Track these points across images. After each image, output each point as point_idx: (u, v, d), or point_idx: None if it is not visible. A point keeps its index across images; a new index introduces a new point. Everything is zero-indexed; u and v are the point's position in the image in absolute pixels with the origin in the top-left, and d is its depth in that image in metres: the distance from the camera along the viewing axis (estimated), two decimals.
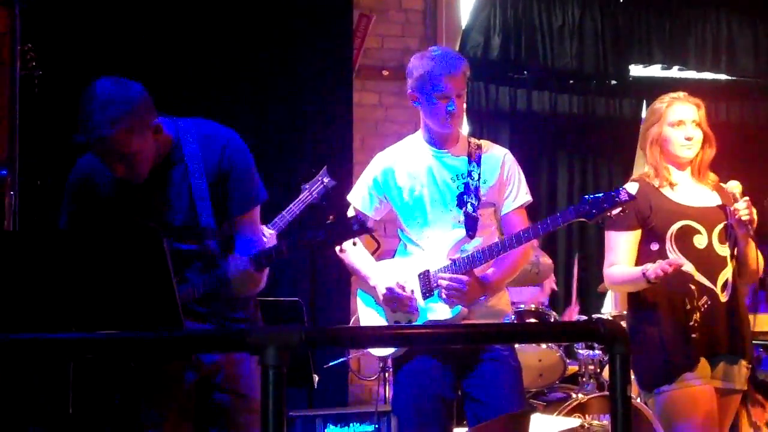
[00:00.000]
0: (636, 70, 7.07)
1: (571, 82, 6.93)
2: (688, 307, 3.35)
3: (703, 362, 3.36)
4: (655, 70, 7.09)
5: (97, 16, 5.31)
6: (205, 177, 2.93)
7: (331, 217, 2.89)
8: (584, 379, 4.94)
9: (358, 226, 2.85)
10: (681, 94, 3.58)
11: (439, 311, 3.35)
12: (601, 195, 3.21)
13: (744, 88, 7.26)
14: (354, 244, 3.02)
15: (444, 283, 3.29)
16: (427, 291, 3.36)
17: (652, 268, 3.30)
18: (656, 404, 3.45)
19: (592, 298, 6.40)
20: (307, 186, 4.41)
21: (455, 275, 3.29)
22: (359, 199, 3.50)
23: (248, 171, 3.02)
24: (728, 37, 7.16)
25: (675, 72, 7.08)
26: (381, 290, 3.38)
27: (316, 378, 4.23)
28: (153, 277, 2.40)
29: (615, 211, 3.22)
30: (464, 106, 3.43)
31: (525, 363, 4.80)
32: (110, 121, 2.72)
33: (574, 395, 4.77)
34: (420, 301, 3.37)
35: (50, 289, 2.44)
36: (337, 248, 2.93)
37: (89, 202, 3.00)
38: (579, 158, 6.90)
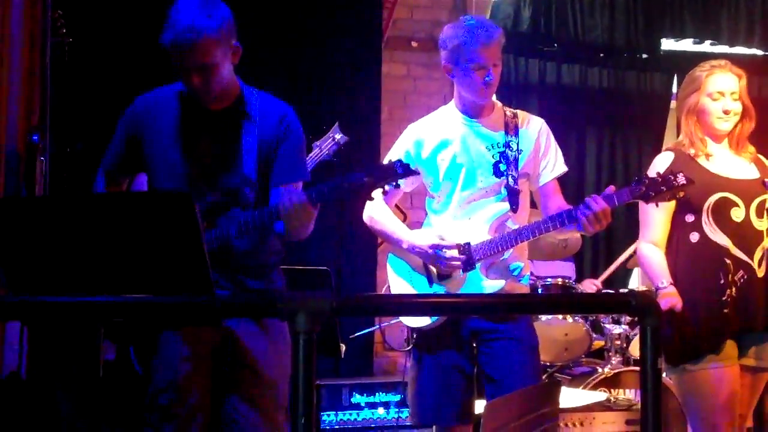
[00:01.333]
0: (667, 44, 6.97)
1: (602, 55, 6.84)
2: (722, 281, 3.31)
3: (731, 342, 3.33)
4: (687, 45, 7.00)
5: None
6: (256, 137, 2.99)
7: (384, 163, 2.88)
8: (610, 354, 4.92)
9: (402, 169, 2.84)
10: (723, 62, 3.48)
11: (482, 286, 3.30)
12: (658, 177, 3.13)
13: None
14: (397, 186, 2.99)
15: (595, 209, 3.09)
16: (469, 264, 3.30)
17: (665, 297, 3.30)
18: (678, 380, 3.43)
19: (618, 273, 6.37)
20: (318, 143, 4.37)
21: (603, 204, 3.10)
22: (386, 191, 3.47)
23: (300, 145, 3.09)
24: (762, 11, 7.05)
25: (707, 46, 6.98)
26: (424, 247, 3.30)
27: (343, 347, 4.23)
28: (184, 242, 2.40)
29: (671, 195, 3.15)
30: (499, 76, 3.38)
31: (551, 337, 4.85)
32: (200, 29, 2.82)
33: (600, 369, 4.76)
34: (461, 275, 3.32)
35: (80, 254, 2.45)
36: (378, 190, 2.89)
37: (144, 135, 3.06)
38: (608, 132, 6.84)
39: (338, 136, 4.34)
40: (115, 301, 1.86)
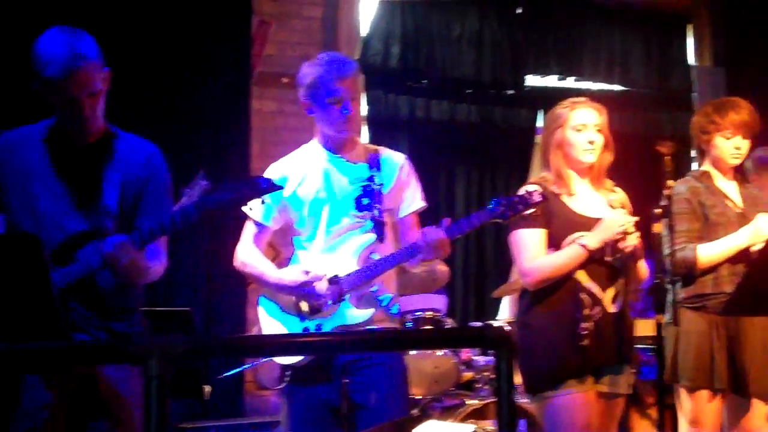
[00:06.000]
0: (532, 80, 7.19)
1: (469, 91, 6.99)
2: (578, 315, 3.39)
3: (588, 370, 3.42)
4: (551, 81, 7.23)
5: None
6: (121, 173, 2.97)
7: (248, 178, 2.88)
8: (479, 385, 4.99)
9: (267, 184, 2.84)
10: (583, 98, 3.59)
11: (351, 316, 3.32)
12: (514, 197, 3.24)
13: (636, 98, 7.46)
14: (263, 202, 2.98)
15: (430, 241, 3.19)
16: (338, 296, 3.31)
17: (590, 236, 3.35)
18: (539, 407, 3.50)
19: (487, 304, 6.47)
20: (187, 190, 4.32)
21: (438, 235, 3.20)
22: (257, 209, 3.46)
23: (166, 184, 3.08)
24: (621, 49, 7.36)
25: (571, 82, 7.23)
26: (291, 283, 3.30)
27: (207, 389, 4.16)
28: (32, 286, 2.33)
29: (528, 212, 3.25)
30: (360, 111, 3.42)
31: (421, 370, 4.88)
32: (82, 55, 2.83)
33: (468, 401, 4.82)
34: (331, 306, 3.33)
35: None
36: (246, 208, 2.93)
37: (4, 172, 3.00)
38: (477, 167, 6.98)
39: (203, 183, 4.30)
40: None
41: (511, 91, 7.11)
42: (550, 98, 6.26)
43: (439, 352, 4.89)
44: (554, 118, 3.57)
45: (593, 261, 3.42)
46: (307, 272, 3.31)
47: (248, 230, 3.51)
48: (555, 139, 3.53)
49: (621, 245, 3.42)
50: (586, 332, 3.37)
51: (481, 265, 6.67)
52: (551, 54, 7.17)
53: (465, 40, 6.90)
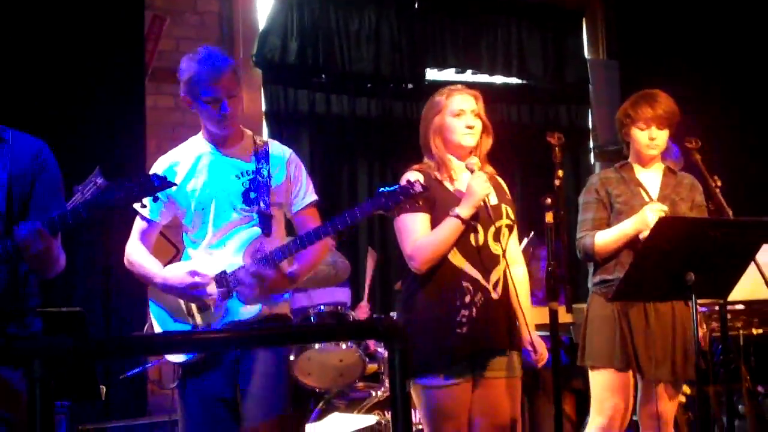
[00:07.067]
0: (431, 74, 7.25)
1: (369, 85, 7.02)
2: (458, 303, 3.44)
3: (465, 362, 3.45)
4: (450, 74, 7.29)
5: None
6: (7, 170, 2.90)
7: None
8: (384, 377, 5.02)
9: (159, 181, 2.81)
10: (459, 85, 3.69)
11: (240, 312, 3.30)
12: (396, 187, 3.26)
13: (533, 91, 7.58)
14: (156, 200, 2.94)
15: (249, 277, 3.22)
16: (226, 292, 3.29)
17: (460, 206, 3.40)
18: (414, 394, 3.53)
19: (394, 296, 6.50)
20: (80, 188, 4.22)
21: (260, 269, 3.22)
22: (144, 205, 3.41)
23: (56, 180, 3.03)
24: (518, 42, 7.47)
25: (468, 75, 7.31)
26: (178, 286, 3.27)
27: (103, 389, 4.09)
28: None
29: (410, 203, 3.27)
30: (240, 106, 3.40)
31: (326, 363, 4.89)
32: None
33: (373, 393, 4.84)
34: (219, 305, 3.30)
35: None
36: (137, 205, 2.90)
37: None
38: (378, 161, 6.98)
39: (99, 181, 4.19)
40: None
41: (410, 85, 7.15)
42: None
43: (344, 345, 4.91)
44: (432, 105, 3.65)
45: (475, 248, 3.46)
46: (194, 273, 3.27)
47: (136, 226, 3.47)
48: (434, 125, 3.60)
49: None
50: (465, 320, 3.41)
51: (386, 256, 6.69)
52: (449, 48, 7.23)
53: (363, 35, 6.91)
